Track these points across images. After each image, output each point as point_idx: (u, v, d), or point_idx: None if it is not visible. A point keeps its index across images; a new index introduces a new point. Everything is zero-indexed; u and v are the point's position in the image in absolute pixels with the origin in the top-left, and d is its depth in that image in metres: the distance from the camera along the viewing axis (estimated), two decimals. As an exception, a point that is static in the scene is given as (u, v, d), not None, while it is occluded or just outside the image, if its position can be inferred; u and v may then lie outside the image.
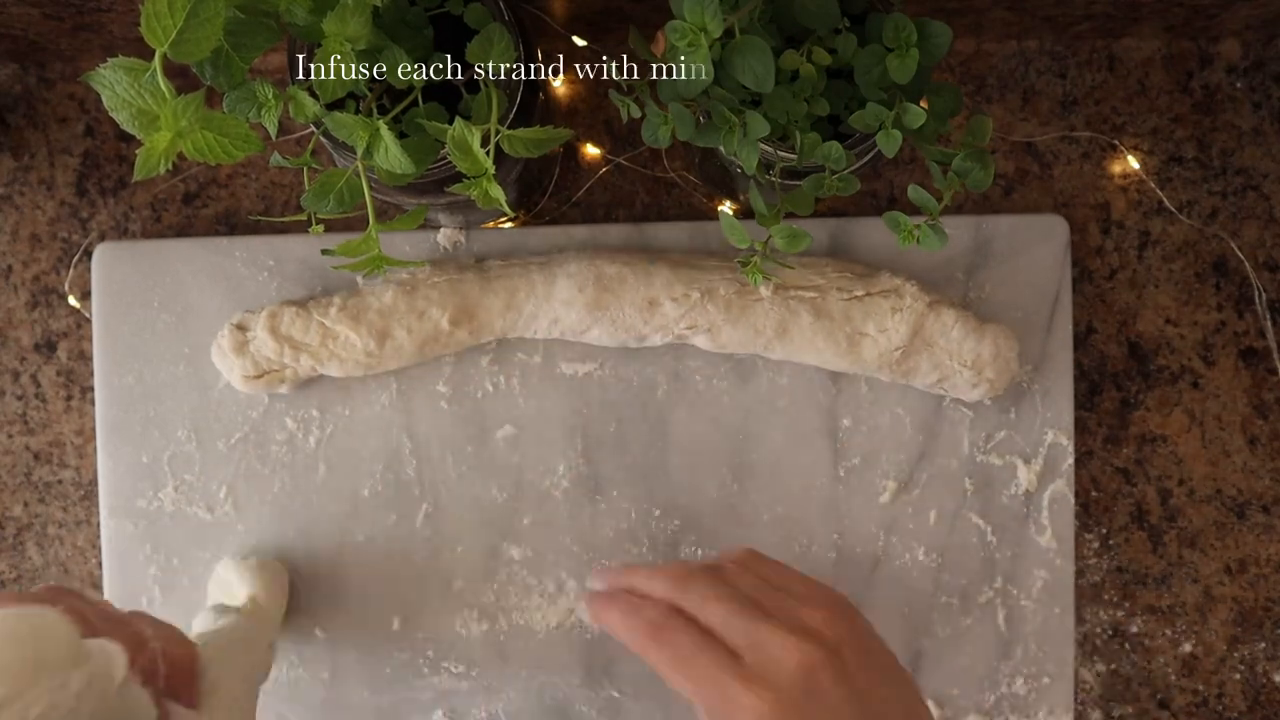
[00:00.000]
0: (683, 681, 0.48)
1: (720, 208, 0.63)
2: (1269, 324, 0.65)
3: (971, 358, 0.59)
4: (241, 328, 0.60)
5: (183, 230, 0.65)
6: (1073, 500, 0.62)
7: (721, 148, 0.47)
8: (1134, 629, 0.66)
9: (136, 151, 0.40)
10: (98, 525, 0.64)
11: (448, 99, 0.47)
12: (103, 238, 0.65)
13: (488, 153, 0.44)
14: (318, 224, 0.47)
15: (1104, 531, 0.66)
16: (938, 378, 0.60)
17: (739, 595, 0.50)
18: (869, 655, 0.49)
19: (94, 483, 0.65)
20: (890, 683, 0.49)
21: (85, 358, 0.65)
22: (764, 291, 0.59)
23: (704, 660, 0.48)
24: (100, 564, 0.64)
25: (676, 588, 0.51)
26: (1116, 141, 0.65)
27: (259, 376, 0.60)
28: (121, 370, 0.62)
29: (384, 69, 0.45)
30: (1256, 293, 0.65)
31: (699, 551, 0.62)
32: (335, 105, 0.46)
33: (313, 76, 0.43)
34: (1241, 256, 0.65)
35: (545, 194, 0.65)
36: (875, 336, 0.59)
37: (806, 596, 0.51)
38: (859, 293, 0.59)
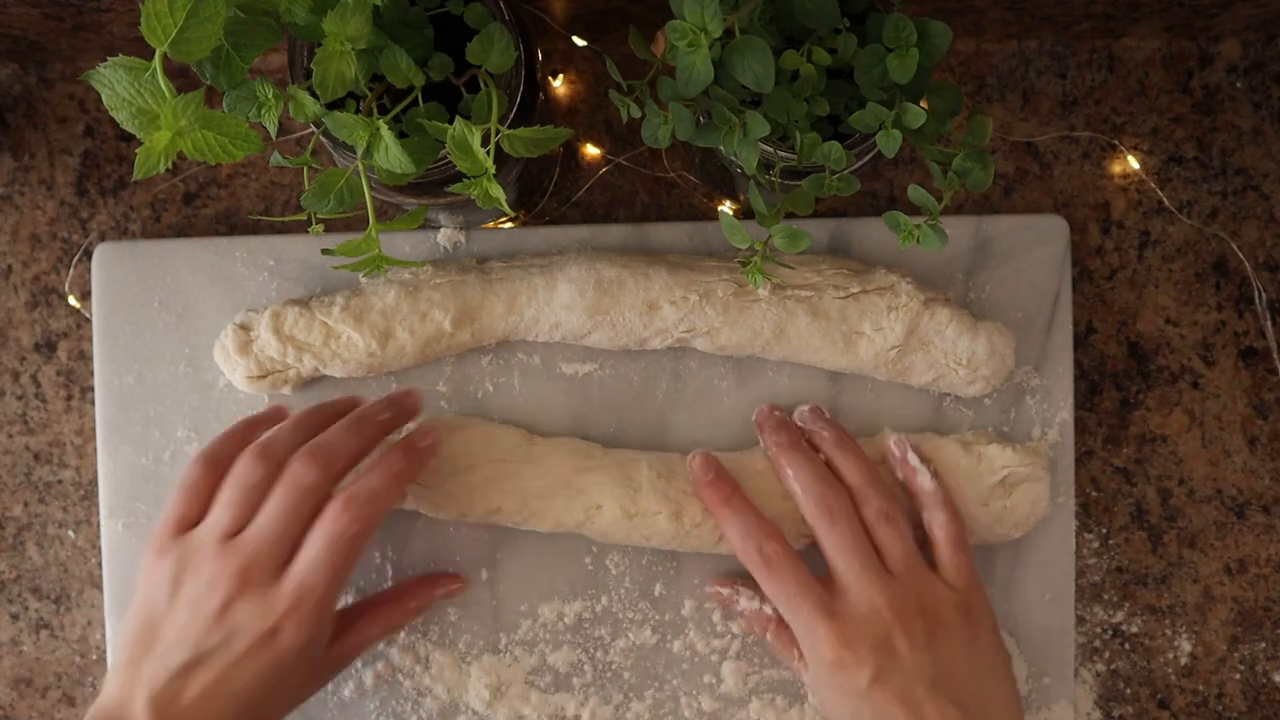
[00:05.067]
0: (780, 607, 0.56)
1: (720, 208, 0.63)
2: (1269, 324, 0.65)
3: (967, 356, 0.59)
4: (245, 327, 0.60)
5: (183, 230, 0.65)
6: (1073, 500, 0.62)
7: (721, 148, 0.47)
8: (1134, 629, 0.66)
9: (136, 151, 0.40)
10: (98, 525, 0.64)
11: (448, 99, 0.47)
12: (103, 238, 0.65)
13: (488, 153, 0.44)
14: (318, 224, 0.47)
15: (1104, 531, 0.66)
16: (934, 376, 0.60)
17: (867, 548, 0.56)
18: (967, 645, 0.56)
19: (94, 483, 0.65)
20: (978, 677, 0.56)
21: (85, 358, 0.65)
22: (761, 292, 0.59)
23: (802, 601, 0.55)
24: (100, 564, 0.64)
25: (822, 522, 0.57)
26: (1116, 141, 0.65)
27: (263, 377, 0.60)
28: (121, 370, 0.62)
29: (384, 69, 0.45)
30: (1256, 293, 0.65)
31: (698, 552, 0.62)
32: (335, 105, 0.46)
33: (313, 76, 0.43)
34: (1241, 256, 0.65)
35: (545, 194, 0.65)
36: (871, 335, 0.59)
37: (946, 579, 0.57)
38: (854, 290, 0.59)
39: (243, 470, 0.56)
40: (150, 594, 0.55)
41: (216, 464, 0.57)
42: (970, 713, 0.54)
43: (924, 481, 0.59)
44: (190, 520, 0.56)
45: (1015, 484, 0.60)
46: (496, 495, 0.60)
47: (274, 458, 0.56)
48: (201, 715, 0.52)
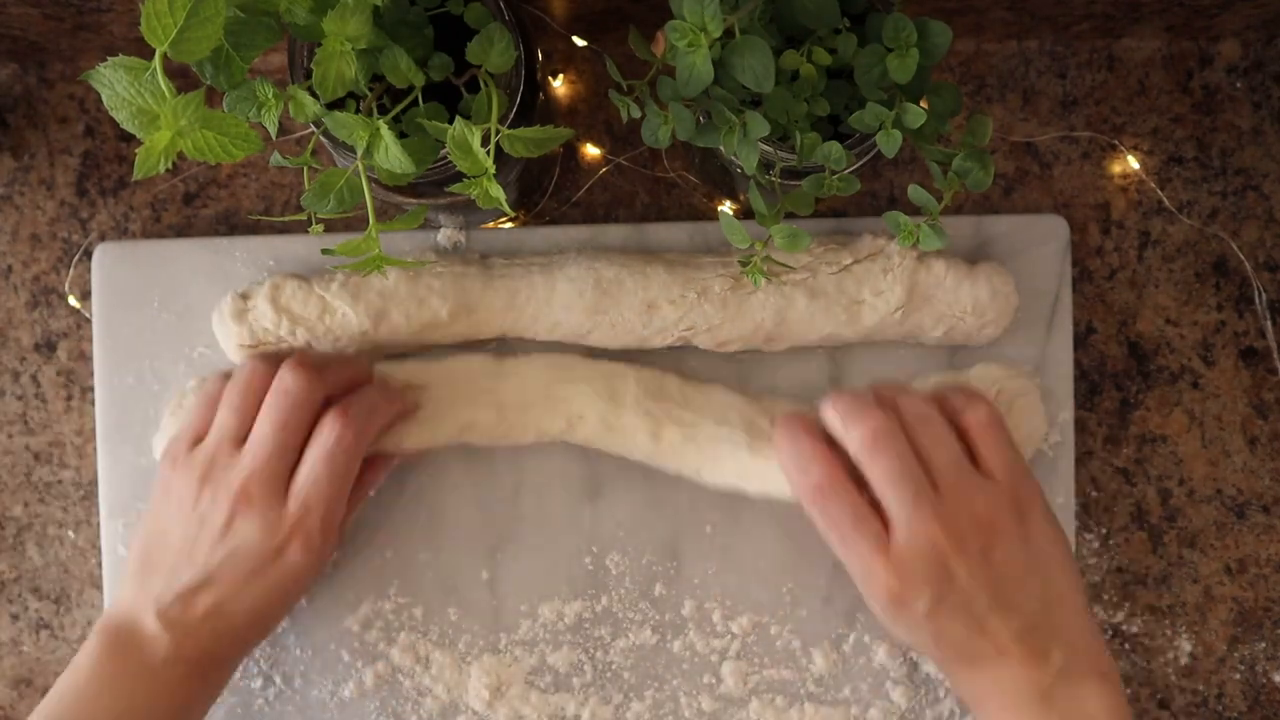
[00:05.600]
0: (833, 544, 0.54)
1: (720, 208, 0.63)
2: (1269, 324, 0.65)
3: (971, 302, 0.59)
4: (245, 296, 0.60)
5: (183, 230, 0.65)
6: (1073, 500, 0.62)
7: (721, 148, 0.48)
8: (1134, 629, 0.66)
9: (136, 151, 0.40)
10: (98, 525, 0.64)
11: (448, 99, 0.47)
12: (103, 238, 0.65)
13: (488, 152, 0.44)
14: (318, 224, 0.47)
15: (1104, 531, 0.66)
16: (944, 329, 0.60)
17: (914, 473, 0.53)
18: (1023, 545, 0.53)
19: (94, 483, 0.65)
20: (1037, 574, 0.53)
21: (85, 358, 0.65)
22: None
23: (855, 535, 0.53)
24: (100, 564, 0.64)
25: (866, 451, 0.53)
26: (1116, 141, 0.65)
27: (254, 346, 0.60)
28: (121, 370, 0.62)
29: (384, 69, 0.45)
30: (1256, 293, 0.65)
31: (698, 552, 0.62)
32: (335, 105, 0.46)
33: (313, 76, 0.43)
34: (1241, 256, 0.65)
35: (545, 194, 0.65)
36: (873, 301, 0.59)
37: (991, 475, 0.54)
38: (847, 261, 0.59)
39: (243, 372, 0.57)
40: (161, 506, 0.56)
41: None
42: (1032, 615, 0.52)
43: (932, 381, 0.58)
44: (203, 432, 0.57)
45: (1011, 400, 0.60)
46: (468, 410, 0.60)
47: (277, 362, 0.57)
48: (210, 630, 0.54)
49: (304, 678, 0.62)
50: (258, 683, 0.62)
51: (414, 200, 0.54)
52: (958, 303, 0.59)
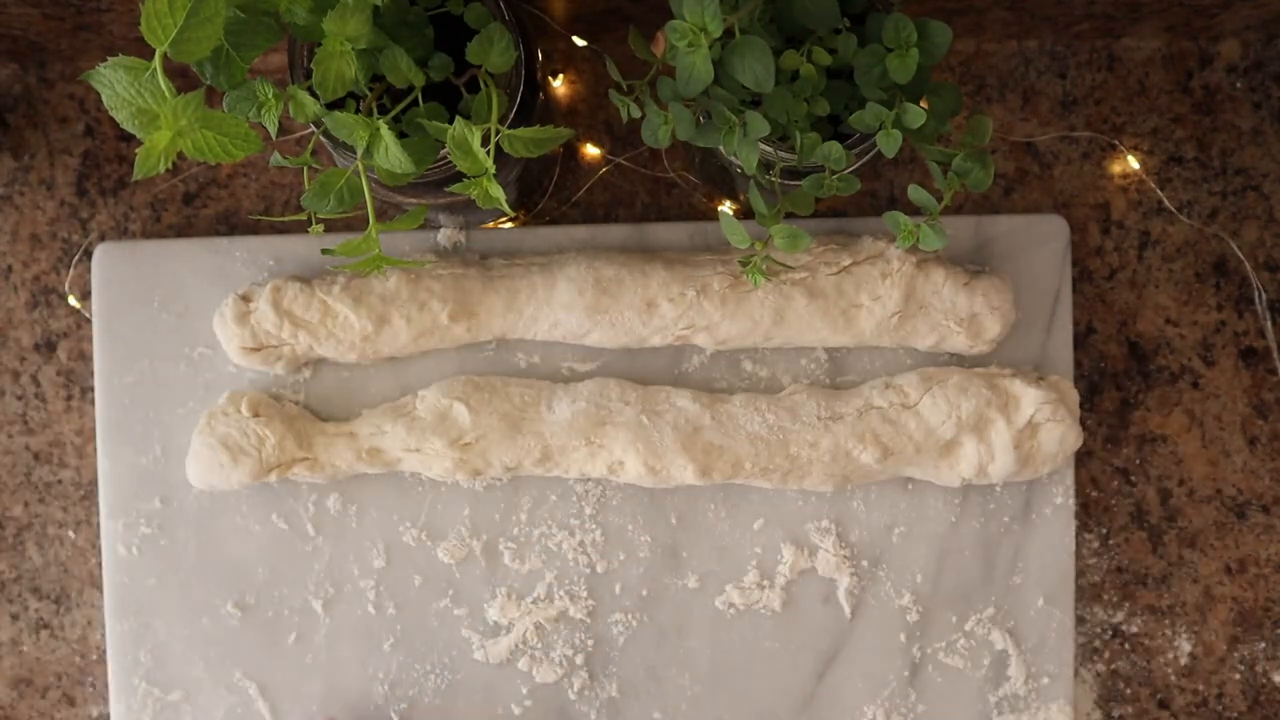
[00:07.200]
0: None
1: (720, 208, 0.63)
2: (1269, 324, 0.65)
3: (966, 314, 0.59)
4: (246, 298, 0.60)
5: (183, 230, 0.65)
6: (1073, 500, 0.62)
7: (721, 148, 0.48)
8: (1134, 629, 0.66)
9: (136, 151, 0.40)
10: (98, 525, 0.64)
11: (448, 99, 0.47)
12: (103, 238, 0.65)
13: (488, 153, 0.44)
14: (318, 224, 0.47)
15: (1104, 531, 0.66)
16: (936, 339, 0.60)
17: None
18: None
19: (94, 483, 0.65)
20: None
21: (85, 358, 0.65)
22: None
23: None
24: (100, 564, 0.64)
25: None
26: (1116, 141, 0.65)
27: (257, 350, 0.60)
28: (121, 370, 0.62)
29: (384, 69, 0.45)
30: (1256, 293, 0.65)
31: (697, 553, 0.62)
32: (335, 105, 0.46)
33: (313, 76, 0.43)
34: (1241, 256, 0.65)
35: (545, 194, 0.65)
36: (869, 305, 0.59)
37: None
38: (846, 263, 0.59)
39: None
40: None
41: None
42: None
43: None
44: None
45: (1040, 422, 0.59)
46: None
47: None
48: None
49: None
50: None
51: (414, 200, 0.54)
52: (953, 313, 0.59)
